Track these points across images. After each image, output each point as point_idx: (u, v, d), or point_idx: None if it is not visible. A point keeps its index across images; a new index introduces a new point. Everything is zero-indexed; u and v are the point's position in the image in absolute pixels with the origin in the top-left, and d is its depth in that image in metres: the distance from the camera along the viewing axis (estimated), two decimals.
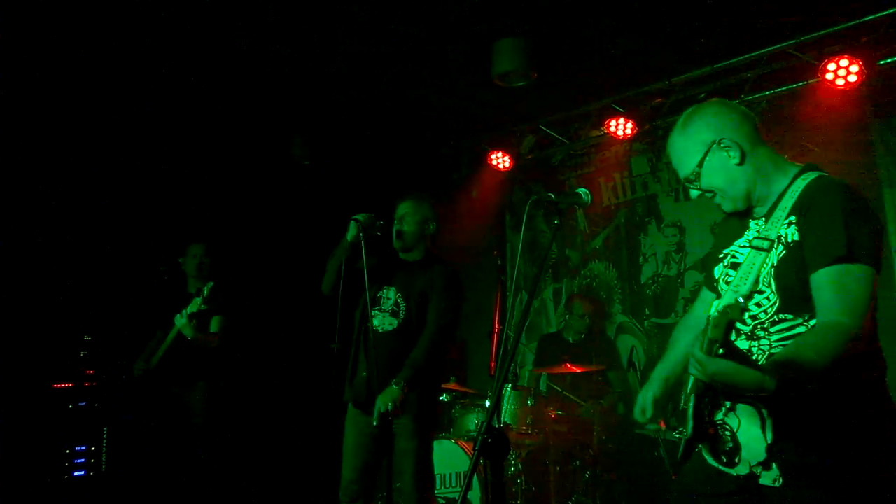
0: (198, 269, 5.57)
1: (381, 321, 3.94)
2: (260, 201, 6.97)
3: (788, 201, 2.21)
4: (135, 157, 6.23)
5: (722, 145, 2.26)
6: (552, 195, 2.53)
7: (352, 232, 3.73)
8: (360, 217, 3.72)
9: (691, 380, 2.27)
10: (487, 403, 5.78)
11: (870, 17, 4.93)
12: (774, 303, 2.15)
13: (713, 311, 2.03)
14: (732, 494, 2.21)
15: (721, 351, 1.87)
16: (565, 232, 7.50)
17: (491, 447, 2.13)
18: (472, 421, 5.88)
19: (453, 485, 5.48)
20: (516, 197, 7.97)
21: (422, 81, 6.13)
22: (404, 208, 4.03)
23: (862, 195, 2.16)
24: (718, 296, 2.42)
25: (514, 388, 5.65)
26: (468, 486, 2.13)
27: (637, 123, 6.38)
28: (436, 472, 5.50)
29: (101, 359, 5.60)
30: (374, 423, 3.64)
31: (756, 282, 2.19)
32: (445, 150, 7.84)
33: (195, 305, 5.01)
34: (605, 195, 7.20)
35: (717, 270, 2.45)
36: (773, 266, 2.16)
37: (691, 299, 5.35)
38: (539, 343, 6.96)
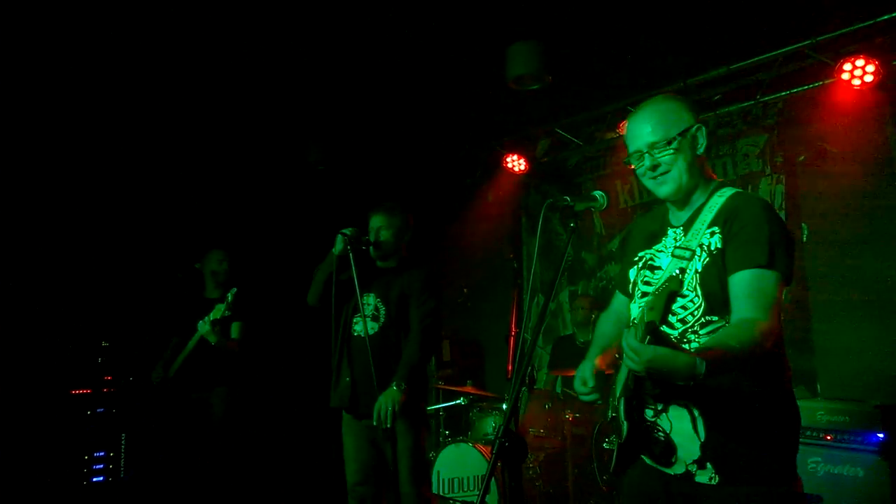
0: (216, 275, 5.58)
1: (363, 326, 4.04)
2: (276, 206, 7.00)
3: (708, 215, 2.36)
4: (152, 165, 6.28)
5: (701, 131, 2.41)
6: (567, 198, 2.50)
7: (339, 246, 3.92)
8: (347, 231, 3.93)
9: (619, 384, 2.36)
10: (504, 407, 5.77)
11: (886, 17, 4.88)
12: (700, 305, 2.27)
13: (638, 308, 2.31)
14: (672, 493, 2.31)
15: (649, 338, 1.96)
16: (581, 234, 7.48)
17: (508, 451, 2.13)
18: (490, 424, 5.87)
19: (471, 488, 5.47)
20: (532, 200, 7.96)
21: (436, 86, 6.13)
22: (378, 221, 4.17)
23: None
24: (632, 298, 2.56)
25: (531, 391, 5.64)
26: (486, 490, 2.12)
27: None
28: (454, 476, 5.54)
29: (119, 365, 5.64)
30: (374, 423, 3.76)
31: (679, 287, 2.27)
32: (461, 154, 7.85)
33: (219, 312, 4.99)
34: (622, 197, 7.18)
35: (633, 272, 2.58)
36: (696, 272, 2.28)
37: None
38: (553, 346, 6.94)
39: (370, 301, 4.13)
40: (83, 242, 5.86)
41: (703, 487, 2.22)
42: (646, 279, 2.48)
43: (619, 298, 2.81)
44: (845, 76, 5.17)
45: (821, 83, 5.44)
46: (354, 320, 4.10)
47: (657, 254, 2.50)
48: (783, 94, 5.67)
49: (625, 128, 2.56)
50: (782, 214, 5.80)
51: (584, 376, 2.60)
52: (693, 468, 2.23)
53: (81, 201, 5.88)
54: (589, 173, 7.50)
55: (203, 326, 5.05)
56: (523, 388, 5.53)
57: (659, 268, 2.45)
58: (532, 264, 7.68)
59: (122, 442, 5.52)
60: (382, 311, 4.09)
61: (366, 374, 3.88)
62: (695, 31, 5.24)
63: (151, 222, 6.27)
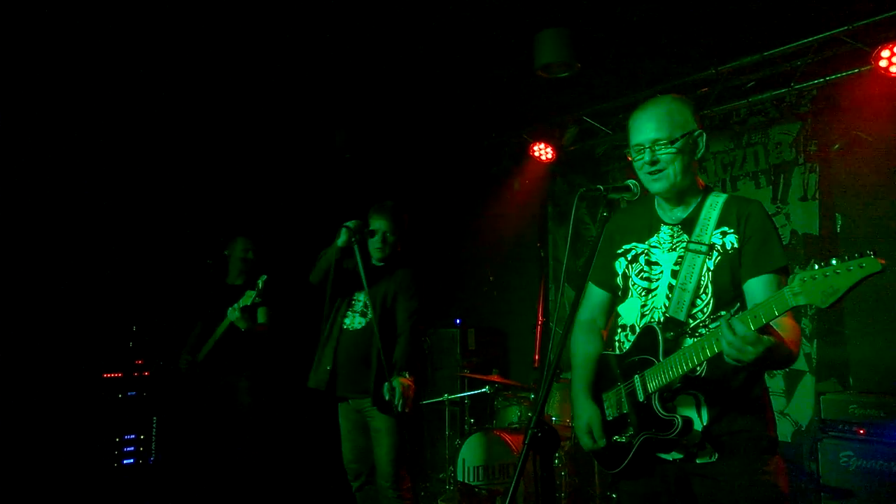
0: (242, 263, 5.64)
1: (352, 320, 4.43)
2: (301, 194, 7.02)
3: (711, 212, 2.48)
4: (183, 154, 6.33)
5: (702, 137, 2.51)
6: (601, 187, 2.47)
7: (343, 238, 4.17)
8: (350, 224, 4.19)
9: (661, 377, 2.33)
10: (532, 396, 5.76)
11: None
12: (708, 303, 2.38)
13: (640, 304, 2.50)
14: (667, 473, 2.41)
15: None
16: None
17: (541, 441, 2.12)
18: (515, 413, 5.87)
19: (496, 476, 5.47)
20: (559, 189, 7.91)
21: (464, 73, 6.10)
22: (383, 224, 4.42)
23: None
24: (623, 292, 2.61)
25: (558, 380, 5.62)
26: (518, 481, 2.11)
27: None
28: (479, 464, 5.54)
29: (150, 349, 5.72)
30: (395, 404, 4.08)
31: (698, 283, 2.40)
32: (487, 142, 7.82)
33: (248, 299, 5.05)
34: None
35: (619, 265, 2.63)
36: (709, 270, 2.40)
37: None
38: None
39: (360, 297, 4.45)
40: (115, 228, 5.92)
41: (703, 465, 2.33)
42: (643, 274, 2.55)
43: (593, 297, 2.81)
44: (883, 63, 5.05)
45: (857, 70, 5.32)
46: (346, 313, 4.45)
47: (652, 249, 2.56)
48: (818, 81, 5.55)
49: (630, 120, 2.58)
50: (816, 204, 5.72)
51: (591, 427, 2.57)
52: (694, 450, 2.33)
53: (115, 188, 5.95)
54: (617, 162, 7.42)
55: (233, 313, 5.12)
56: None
57: (657, 263, 2.53)
58: (560, 254, 7.65)
59: (153, 425, 5.61)
60: (370, 308, 4.36)
61: (348, 364, 4.30)
62: (727, 17, 5.15)
63: (181, 209, 6.33)
